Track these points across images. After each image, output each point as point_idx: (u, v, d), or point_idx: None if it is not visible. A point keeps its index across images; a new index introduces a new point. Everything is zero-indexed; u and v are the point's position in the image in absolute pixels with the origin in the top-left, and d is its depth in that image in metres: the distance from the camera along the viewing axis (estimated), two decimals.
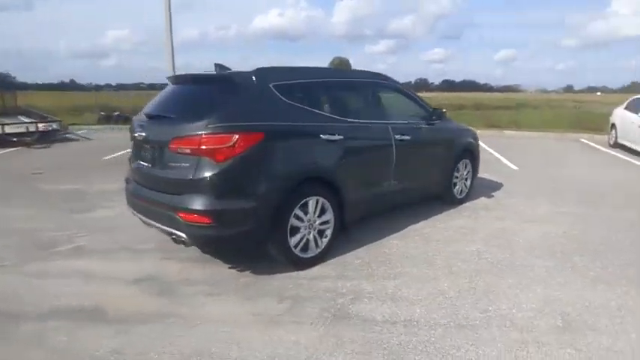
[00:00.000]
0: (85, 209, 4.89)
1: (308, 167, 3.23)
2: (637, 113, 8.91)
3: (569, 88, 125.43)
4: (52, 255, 3.60)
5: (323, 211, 3.36)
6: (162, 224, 3.05)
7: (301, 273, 3.23)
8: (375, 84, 4.21)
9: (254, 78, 3.10)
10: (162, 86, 4.18)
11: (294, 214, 3.14)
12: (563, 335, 2.42)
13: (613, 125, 10.34)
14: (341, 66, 13.86)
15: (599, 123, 13.98)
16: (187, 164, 2.86)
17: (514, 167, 7.72)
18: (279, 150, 3.03)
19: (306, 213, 3.22)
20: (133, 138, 3.44)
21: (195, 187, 2.83)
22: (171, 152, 2.95)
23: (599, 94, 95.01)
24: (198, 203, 2.82)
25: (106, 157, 8.37)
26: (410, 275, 3.21)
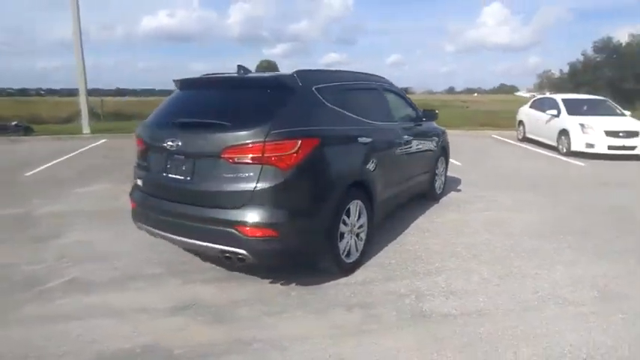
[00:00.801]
0: (49, 236, 4.12)
1: (354, 171, 3.22)
2: (544, 111, 10.55)
3: (451, 90, 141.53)
4: (47, 293, 2.99)
5: (360, 215, 3.37)
6: (208, 241, 2.77)
7: (347, 279, 3.20)
8: (382, 86, 4.34)
9: (299, 81, 2.98)
10: (73, 91, 3.70)
11: (342, 219, 3.10)
12: (606, 304, 2.83)
13: (521, 122, 12.08)
14: (269, 69, 13.68)
15: (498, 120, 16.18)
16: (247, 174, 2.64)
17: (458, 163, 8.52)
18: (331, 155, 2.97)
19: (348, 217, 3.21)
20: (151, 148, 3.05)
21: (258, 198, 2.62)
22: (223, 162, 2.68)
23: (476, 94, 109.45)
24: (262, 215, 2.62)
25: (29, 173, 7.09)
26: (449, 269, 3.40)
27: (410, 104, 4.90)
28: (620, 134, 8.69)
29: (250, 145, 2.61)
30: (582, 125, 9.02)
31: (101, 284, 3.13)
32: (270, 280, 3.17)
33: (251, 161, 2.62)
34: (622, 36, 41.64)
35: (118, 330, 2.52)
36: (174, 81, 3.35)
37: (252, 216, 2.62)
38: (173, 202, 2.92)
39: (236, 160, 2.65)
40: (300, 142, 2.67)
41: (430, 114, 4.96)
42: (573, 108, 9.86)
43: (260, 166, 2.61)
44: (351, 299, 2.91)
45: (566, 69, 45.31)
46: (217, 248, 2.76)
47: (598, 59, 41.32)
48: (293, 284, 3.12)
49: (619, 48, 39.52)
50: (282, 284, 3.12)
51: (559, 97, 10.64)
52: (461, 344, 2.39)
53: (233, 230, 2.65)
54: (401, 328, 2.56)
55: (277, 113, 2.74)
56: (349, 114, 3.37)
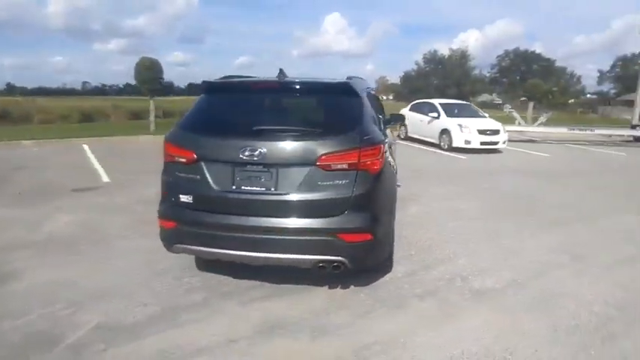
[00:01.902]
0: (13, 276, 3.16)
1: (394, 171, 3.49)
2: (425, 114, 12.47)
3: None
4: (82, 350, 2.39)
5: None
6: (302, 253, 2.69)
7: (391, 274, 3.45)
8: (370, 89, 4.65)
9: (356, 87, 3.08)
10: None
11: None
12: (577, 260, 3.82)
13: (402, 124, 13.97)
14: (152, 68, 12.47)
15: None
16: (343, 181, 2.65)
17: None
18: (388, 158, 3.17)
19: None
20: (206, 160, 2.76)
21: (356, 203, 2.66)
22: (317, 170, 2.63)
23: None
24: (361, 220, 2.68)
25: None
26: (467, 253, 3.95)
27: (382, 107, 5.35)
28: (488, 132, 11.02)
29: (348, 152, 2.64)
30: (460, 125, 11.05)
31: (142, 325, 2.66)
32: (325, 287, 3.19)
33: (348, 167, 2.65)
34: (445, 49, 51.30)
35: None
36: (205, 82, 3.03)
37: (353, 222, 2.66)
38: (248, 217, 2.70)
39: (332, 167, 2.64)
40: (382, 147, 2.83)
41: (398, 117, 5.47)
42: (448, 111, 11.97)
43: (356, 171, 2.66)
44: (414, 290, 3.20)
45: (399, 76, 53.89)
46: (313, 259, 2.69)
47: (427, 69, 49.92)
48: (351, 287, 3.21)
49: (443, 60, 48.55)
50: (341, 288, 3.19)
51: (436, 102, 12.74)
52: (524, 307, 2.95)
53: (333, 238, 2.64)
54: (473, 307, 2.98)
55: (360, 120, 2.82)
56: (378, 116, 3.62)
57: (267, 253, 2.72)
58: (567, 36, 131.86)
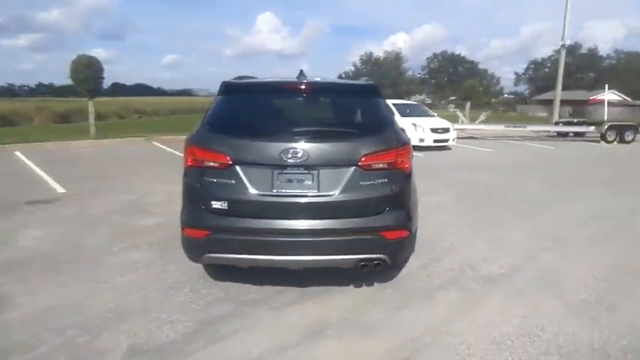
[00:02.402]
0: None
1: None
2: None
3: None
4: None
5: None
6: (346, 253, 2.73)
7: (406, 269, 3.59)
8: None
9: (377, 89, 3.17)
10: None
11: None
12: (559, 243, 4.28)
13: None
14: (91, 66, 11.47)
15: None
16: (383, 180, 2.72)
17: None
18: None
19: None
20: (242, 163, 2.68)
21: (395, 201, 2.76)
22: (359, 170, 2.67)
23: None
24: (401, 217, 2.78)
25: None
26: (464, 244, 4.23)
27: None
28: (439, 130, 11.74)
29: (387, 152, 2.73)
30: (415, 124, 11.65)
31: (181, 342, 2.51)
32: (350, 286, 3.24)
33: (387, 167, 2.73)
34: (379, 51, 53.48)
35: None
36: (227, 83, 2.92)
37: (393, 219, 2.75)
38: (289, 220, 2.67)
39: (373, 167, 2.70)
40: (409, 146, 2.95)
41: None
42: (401, 111, 12.53)
43: (393, 171, 2.75)
44: (433, 282, 3.37)
45: (336, 77, 55.54)
46: (356, 259, 2.73)
47: (364, 70, 51.68)
48: (374, 284, 3.29)
49: (378, 61, 50.60)
50: (367, 286, 3.26)
51: (389, 102, 13.26)
52: (534, 289, 3.26)
53: (376, 236, 2.70)
54: (491, 292, 3.22)
55: (390, 120, 2.92)
56: None
57: (309, 255, 2.71)
58: (485, 40, 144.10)
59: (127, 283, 3.26)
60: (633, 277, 3.55)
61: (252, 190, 2.68)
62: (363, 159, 2.69)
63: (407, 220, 2.84)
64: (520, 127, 15.55)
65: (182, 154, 2.99)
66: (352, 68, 52.82)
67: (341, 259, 2.75)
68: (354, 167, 2.68)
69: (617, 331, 2.70)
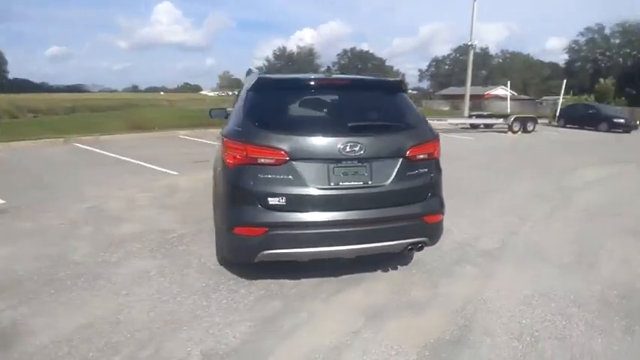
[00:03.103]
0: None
1: None
2: None
3: (135, 89, 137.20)
4: None
5: None
6: (397, 239, 2.96)
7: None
8: None
9: (404, 85, 3.42)
10: None
11: None
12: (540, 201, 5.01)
13: None
14: None
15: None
16: (424, 169, 3.00)
17: None
18: None
19: None
20: (299, 158, 2.76)
21: (433, 188, 3.04)
22: (405, 161, 2.90)
23: (162, 93, 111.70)
24: (438, 202, 3.09)
25: None
26: (463, 224, 4.72)
27: None
28: None
29: (428, 143, 3.01)
30: None
31: (253, 341, 2.52)
32: (378, 272, 3.48)
33: (427, 157, 3.01)
34: (290, 46, 53.97)
35: None
36: (264, 78, 2.92)
37: (433, 205, 3.05)
38: (346, 211, 2.80)
39: (417, 157, 2.95)
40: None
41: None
42: None
43: (431, 160, 3.04)
44: (445, 260, 3.75)
45: (242, 71, 55.16)
46: (405, 243, 2.97)
47: (278, 65, 51.81)
48: (398, 267, 3.57)
49: (292, 56, 51.10)
50: (392, 270, 3.52)
51: None
52: (530, 257, 3.84)
53: (421, 221, 2.97)
54: (499, 265, 3.71)
55: (420, 114, 3.18)
56: None
57: (364, 244, 2.88)
58: (388, 38, 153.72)
59: (152, 292, 3.08)
60: (597, 239, 4.35)
61: (309, 184, 2.77)
62: (409, 150, 2.94)
63: (442, 205, 3.15)
64: (442, 120, 17.16)
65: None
66: (265, 63, 52.57)
67: (392, 245, 2.97)
68: (401, 159, 2.92)
69: (606, 284, 3.35)
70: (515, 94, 49.87)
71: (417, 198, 3.01)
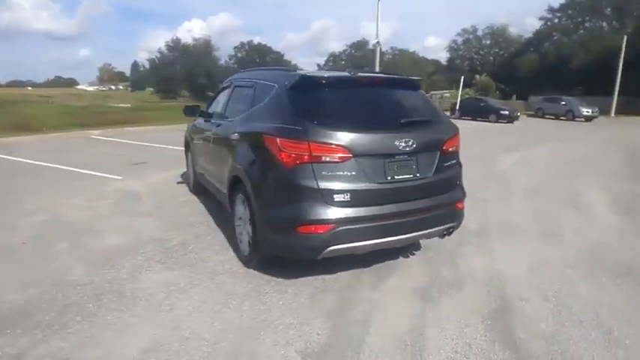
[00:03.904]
0: None
1: None
2: None
3: None
4: None
5: None
6: (436, 226, 3.21)
7: None
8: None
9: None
10: None
11: None
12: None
13: None
14: None
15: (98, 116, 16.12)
16: (453, 160, 3.32)
17: None
18: None
19: None
20: (360, 154, 2.87)
21: (459, 178, 3.40)
22: (441, 154, 3.19)
23: (30, 88, 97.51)
24: (462, 191, 3.44)
25: None
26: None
27: None
28: None
29: (455, 137, 3.33)
30: None
31: (338, 335, 2.59)
32: (400, 259, 3.74)
33: (455, 149, 3.33)
34: (184, 37, 51.09)
35: None
36: (309, 77, 3.00)
37: (460, 193, 3.41)
38: (401, 203, 2.98)
39: (449, 150, 3.26)
40: None
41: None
42: None
43: (457, 152, 3.37)
44: (453, 239, 4.14)
45: (123, 64, 50.93)
46: (443, 228, 3.25)
47: (171, 56, 48.64)
48: (415, 253, 3.86)
49: (188, 48, 48.38)
50: (412, 256, 3.80)
51: None
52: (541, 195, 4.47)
53: (453, 208, 3.29)
54: (506, 238, 4.25)
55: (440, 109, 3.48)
56: None
57: (414, 232, 3.10)
58: (281, 32, 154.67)
59: (197, 304, 2.90)
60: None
61: (370, 179, 2.89)
62: (445, 144, 3.23)
63: (464, 192, 3.52)
64: None
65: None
66: (157, 55, 48.88)
67: (434, 231, 3.25)
68: (439, 151, 3.20)
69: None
70: None
71: (451, 187, 3.33)
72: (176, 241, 4.01)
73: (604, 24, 41.68)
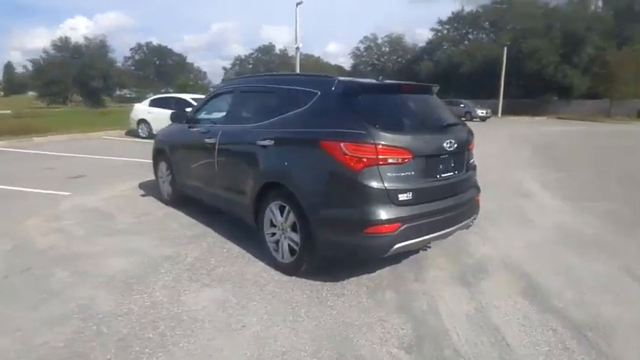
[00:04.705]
0: None
1: None
2: (168, 108, 12.29)
3: None
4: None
5: None
6: (464, 220, 3.47)
7: None
8: None
9: None
10: None
11: None
12: None
13: (143, 121, 13.02)
14: None
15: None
16: (472, 159, 3.67)
17: None
18: None
19: None
20: (419, 155, 3.04)
21: (476, 174, 3.72)
22: (467, 153, 3.50)
23: None
24: (478, 185, 3.76)
25: None
26: None
27: None
28: None
29: (473, 138, 3.66)
30: None
31: (436, 326, 2.71)
32: (418, 252, 3.98)
33: (472, 148, 3.66)
34: (75, 36, 46.07)
35: None
36: (363, 84, 3.22)
37: (478, 186, 3.74)
38: (448, 198, 3.21)
39: (471, 149, 3.60)
40: None
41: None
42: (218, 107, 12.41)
43: (472, 150, 3.70)
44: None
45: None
46: (470, 220, 3.54)
47: (60, 56, 43.47)
48: (427, 249, 4.15)
49: (80, 48, 43.66)
50: (425, 251, 4.07)
51: (188, 97, 12.86)
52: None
53: (475, 201, 3.62)
54: (516, 225, 4.73)
55: None
56: None
57: (456, 225, 3.35)
58: (178, 34, 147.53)
59: (264, 317, 2.78)
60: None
61: (425, 178, 3.09)
62: (470, 144, 3.56)
63: (479, 187, 3.86)
64: None
65: None
66: (42, 55, 43.27)
67: (466, 223, 3.52)
68: (467, 151, 3.51)
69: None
70: None
71: (473, 182, 3.68)
72: (191, 257, 3.74)
73: (483, 36, 47.55)
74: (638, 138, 17.36)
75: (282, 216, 3.37)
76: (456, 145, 3.26)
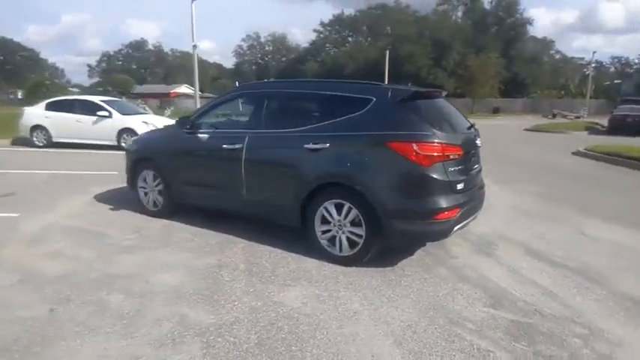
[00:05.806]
0: None
1: None
2: (84, 114, 11.09)
3: None
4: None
5: None
6: (480, 208, 4.19)
7: None
8: None
9: None
10: None
11: None
12: None
13: (38, 126, 11.36)
14: None
15: None
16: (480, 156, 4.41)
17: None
18: None
19: None
20: (463, 153, 3.68)
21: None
22: (479, 150, 4.24)
23: None
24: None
25: None
26: None
27: None
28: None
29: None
30: (145, 122, 11.08)
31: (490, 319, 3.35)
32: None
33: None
34: None
35: None
36: (414, 92, 3.69)
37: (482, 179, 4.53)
38: (473, 189, 3.92)
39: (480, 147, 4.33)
40: None
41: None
42: (118, 109, 11.39)
43: None
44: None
45: None
46: (480, 208, 4.27)
47: None
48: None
49: None
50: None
51: (97, 99, 11.53)
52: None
53: (484, 192, 4.37)
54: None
55: None
56: None
57: (477, 211, 4.07)
58: (18, 23, 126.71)
59: (368, 311, 3.06)
60: None
61: (467, 170, 3.76)
62: (479, 142, 4.26)
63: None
64: None
65: None
66: None
67: (475, 217, 4.19)
68: (479, 148, 4.25)
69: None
70: (201, 92, 54.20)
71: (481, 174, 4.44)
72: (241, 263, 3.80)
73: (362, 39, 51.62)
74: (507, 131, 21.17)
75: (338, 213, 3.69)
76: (479, 144, 4.02)
